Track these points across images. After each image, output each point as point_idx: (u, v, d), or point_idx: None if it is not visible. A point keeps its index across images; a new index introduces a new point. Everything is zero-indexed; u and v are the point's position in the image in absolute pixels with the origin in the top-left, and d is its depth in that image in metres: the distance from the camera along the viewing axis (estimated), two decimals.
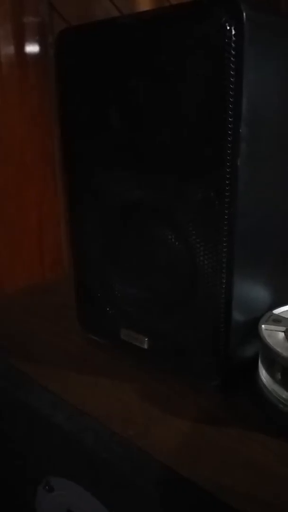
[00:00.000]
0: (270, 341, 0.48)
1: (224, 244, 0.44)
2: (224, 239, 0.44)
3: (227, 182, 0.42)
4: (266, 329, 0.50)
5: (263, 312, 0.52)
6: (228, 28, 0.38)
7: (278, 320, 0.51)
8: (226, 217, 0.43)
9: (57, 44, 0.52)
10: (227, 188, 0.42)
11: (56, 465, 0.56)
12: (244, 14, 0.38)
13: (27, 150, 0.93)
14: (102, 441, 0.49)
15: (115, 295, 0.57)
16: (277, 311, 0.53)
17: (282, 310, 0.53)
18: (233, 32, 0.38)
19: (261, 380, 0.50)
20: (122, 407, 0.51)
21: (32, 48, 0.90)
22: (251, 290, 0.50)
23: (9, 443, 0.63)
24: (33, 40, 0.90)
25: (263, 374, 0.50)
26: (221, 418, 0.49)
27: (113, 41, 0.47)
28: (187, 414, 0.49)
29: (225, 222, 0.43)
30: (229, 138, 0.41)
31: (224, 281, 0.46)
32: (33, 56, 0.91)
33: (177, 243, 0.49)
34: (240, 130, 0.40)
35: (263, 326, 0.50)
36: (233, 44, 0.38)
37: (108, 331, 0.59)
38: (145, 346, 0.55)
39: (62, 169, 0.58)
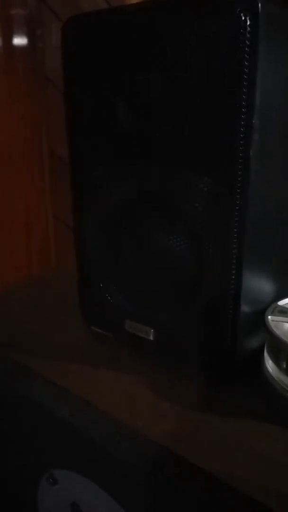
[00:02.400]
0: (276, 331, 0.48)
1: (235, 236, 0.44)
2: (235, 230, 0.44)
3: (239, 173, 0.42)
4: (273, 320, 0.50)
5: (268, 304, 0.53)
6: (243, 19, 0.38)
7: (283, 311, 0.52)
8: (237, 208, 0.43)
9: (63, 33, 0.51)
10: (239, 179, 0.42)
11: (60, 457, 0.56)
12: (260, 5, 0.38)
13: (15, 146, 0.92)
14: (108, 434, 0.48)
15: (119, 288, 0.57)
16: (282, 302, 0.53)
17: (287, 301, 0.54)
18: (248, 23, 0.38)
19: (267, 371, 0.51)
20: (127, 400, 0.51)
21: (20, 41, 0.89)
22: (258, 282, 0.51)
23: (11, 437, 0.62)
24: (21, 33, 0.89)
25: (269, 364, 0.51)
26: (228, 410, 0.49)
27: (123, 30, 0.47)
28: (193, 406, 0.50)
29: (236, 214, 0.44)
30: (242, 129, 0.41)
31: (234, 273, 0.46)
32: (21, 49, 0.89)
33: (184, 235, 0.49)
34: (253, 122, 0.41)
35: (269, 317, 0.50)
36: (248, 35, 0.38)
37: (112, 324, 0.59)
38: (151, 338, 0.54)
39: (68, 162, 0.57)
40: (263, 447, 0.44)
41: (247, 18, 0.38)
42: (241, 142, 0.41)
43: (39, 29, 0.90)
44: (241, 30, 0.38)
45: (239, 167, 0.42)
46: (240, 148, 0.41)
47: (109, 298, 0.58)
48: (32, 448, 0.59)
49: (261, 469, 0.42)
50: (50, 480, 0.57)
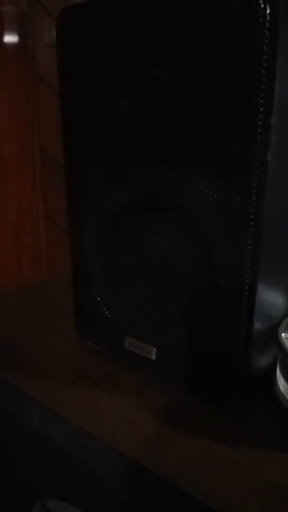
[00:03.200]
0: None
1: (249, 248, 0.40)
2: (249, 242, 0.39)
3: (255, 179, 0.37)
4: (286, 338, 0.46)
5: (280, 319, 0.49)
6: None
7: None
8: (252, 217, 0.39)
9: (58, 26, 0.46)
10: (254, 185, 0.38)
11: (53, 487, 0.51)
12: None
13: (5, 143, 0.90)
14: (106, 463, 0.44)
15: (119, 301, 0.52)
16: None
17: None
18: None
19: (280, 391, 0.47)
20: (127, 425, 0.47)
21: (11, 38, 0.87)
22: (271, 296, 0.46)
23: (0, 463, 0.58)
24: (12, 30, 0.87)
25: (281, 383, 0.47)
26: (240, 435, 0.45)
27: (126, 10, 0.42)
28: (201, 432, 0.45)
29: (251, 223, 0.39)
30: (259, 130, 0.36)
31: (247, 288, 0.42)
32: (12, 46, 0.87)
33: (192, 245, 0.45)
34: (272, 121, 0.36)
35: (283, 334, 0.46)
36: (268, 17, 0.33)
37: (110, 340, 0.54)
38: (153, 357, 0.50)
39: (63, 163, 0.53)
40: (279, 478, 0.40)
41: None
42: (258, 144, 0.36)
43: (31, 26, 0.88)
44: (261, 13, 0.33)
45: (256, 172, 0.37)
46: (257, 151, 0.37)
47: (106, 312, 0.53)
48: (22, 475, 0.55)
49: (281, 503, 0.38)
50: (43, 511, 0.52)
